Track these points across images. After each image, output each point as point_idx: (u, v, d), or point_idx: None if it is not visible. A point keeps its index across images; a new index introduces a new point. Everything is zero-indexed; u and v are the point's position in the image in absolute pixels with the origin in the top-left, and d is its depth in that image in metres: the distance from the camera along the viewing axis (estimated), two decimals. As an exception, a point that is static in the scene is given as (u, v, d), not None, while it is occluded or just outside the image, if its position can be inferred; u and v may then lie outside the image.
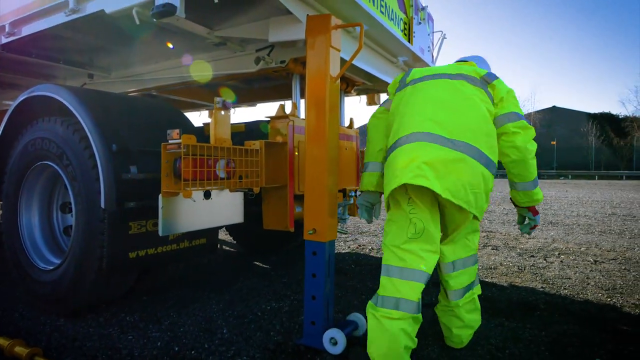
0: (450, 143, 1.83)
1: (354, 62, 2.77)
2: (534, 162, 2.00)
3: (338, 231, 2.31)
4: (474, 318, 2.18)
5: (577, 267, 3.83)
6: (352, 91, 4.17)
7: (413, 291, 1.85)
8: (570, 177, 28.95)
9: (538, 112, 39.21)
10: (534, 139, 2.00)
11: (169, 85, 3.48)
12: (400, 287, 1.87)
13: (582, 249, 4.66)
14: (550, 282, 3.33)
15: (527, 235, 5.51)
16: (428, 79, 2.08)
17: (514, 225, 6.52)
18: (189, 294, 2.92)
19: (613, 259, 4.13)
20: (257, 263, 3.91)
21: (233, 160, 2.27)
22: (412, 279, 1.87)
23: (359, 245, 4.75)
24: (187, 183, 1.94)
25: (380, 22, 2.48)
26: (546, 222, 6.84)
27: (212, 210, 2.35)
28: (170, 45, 2.78)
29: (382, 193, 2.14)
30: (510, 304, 2.80)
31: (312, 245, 2.09)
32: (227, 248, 4.63)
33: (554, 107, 39.56)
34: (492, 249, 4.62)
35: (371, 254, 4.31)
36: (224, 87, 3.81)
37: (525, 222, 2.22)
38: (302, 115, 2.94)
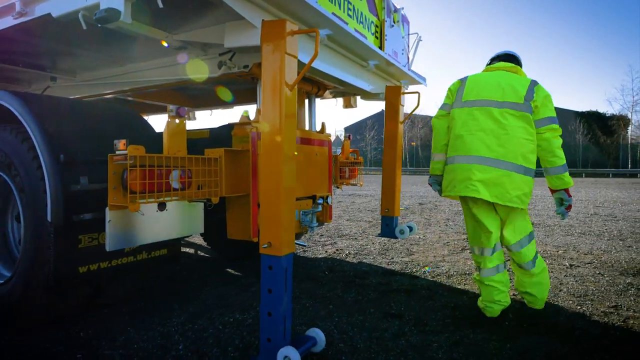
0: (497, 163, 2.58)
1: (321, 67, 2.71)
2: (560, 152, 2.66)
3: (296, 243, 2.23)
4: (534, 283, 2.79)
5: (552, 271, 3.81)
6: (328, 94, 4.12)
7: None
8: (558, 175, 29.22)
9: (527, 110, 39.39)
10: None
11: (138, 88, 3.37)
12: None
13: (559, 252, 4.65)
14: (523, 289, 3.29)
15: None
16: (480, 105, 2.68)
17: (496, 226, 6.50)
18: (152, 305, 2.83)
19: (589, 263, 4.12)
20: (229, 270, 3.84)
21: (189, 170, 2.20)
22: None
23: (337, 250, 4.69)
24: (135, 196, 1.86)
25: (343, 26, 2.41)
26: (528, 223, 6.84)
27: (168, 221, 2.26)
28: (165, 44, 2.62)
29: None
30: (480, 313, 2.75)
31: (267, 259, 2.02)
32: (202, 253, 4.55)
33: (542, 105, 39.79)
34: (471, 253, 4.58)
35: (347, 259, 4.25)
36: (220, 86, 3.68)
37: (561, 206, 2.75)
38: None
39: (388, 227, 3.64)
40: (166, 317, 2.62)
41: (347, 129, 45.65)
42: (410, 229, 3.75)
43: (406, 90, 3.97)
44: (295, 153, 3.07)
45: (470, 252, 3.05)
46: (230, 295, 3.10)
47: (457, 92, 2.80)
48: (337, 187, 3.87)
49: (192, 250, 4.68)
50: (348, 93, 4.12)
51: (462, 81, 2.83)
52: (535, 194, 12.60)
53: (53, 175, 2.08)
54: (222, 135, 2.80)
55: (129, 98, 3.94)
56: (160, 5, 1.75)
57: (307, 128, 3.41)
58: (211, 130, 2.93)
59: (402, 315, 2.72)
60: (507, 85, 2.67)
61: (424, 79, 3.97)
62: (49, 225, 2.09)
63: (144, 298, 2.96)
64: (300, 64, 2.16)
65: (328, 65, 2.77)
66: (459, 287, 3.36)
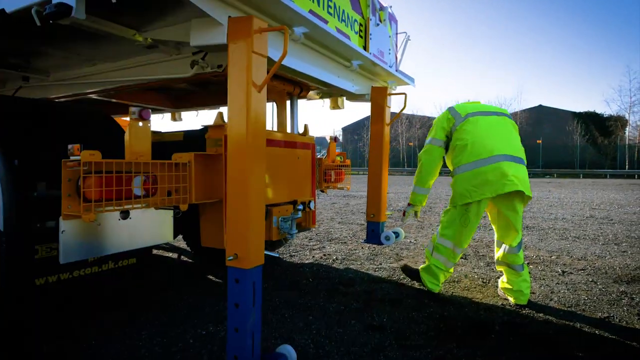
0: (517, 159, 2.88)
1: (300, 68, 2.58)
2: None
3: (267, 254, 2.11)
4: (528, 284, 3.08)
5: (543, 279, 3.69)
6: (315, 95, 4.00)
7: None
8: (555, 175, 29.15)
9: (524, 111, 39.42)
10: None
11: (113, 88, 3.24)
12: None
13: (552, 257, 4.53)
14: (513, 298, 3.17)
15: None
16: (485, 115, 3.01)
17: (489, 230, 6.40)
18: (124, 316, 2.70)
19: (582, 270, 4.00)
20: (210, 277, 3.70)
21: (154, 175, 2.07)
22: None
23: (324, 255, 4.56)
24: (89, 205, 1.74)
25: (320, 24, 2.28)
26: (522, 226, 6.71)
27: (132, 230, 2.13)
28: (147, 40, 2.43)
29: None
30: (465, 325, 2.63)
31: (234, 272, 1.89)
32: (185, 258, 4.41)
33: (540, 106, 39.84)
34: (461, 258, 4.46)
35: (334, 265, 4.13)
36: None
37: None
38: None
39: (373, 232, 3.51)
40: (135, 330, 2.49)
41: (344, 130, 45.52)
42: (397, 234, 3.62)
43: (394, 91, 3.85)
44: (296, 157, 2.98)
45: (442, 245, 3.14)
46: (206, 304, 2.97)
47: (454, 117, 3.03)
48: (322, 192, 3.74)
49: (175, 255, 4.55)
50: (334, 94, 4.00)
51: (450, 109, 3.11)
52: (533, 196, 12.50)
53: (6, 180, 1.95)
54: (196, 138, 2.68)
55: (113, 100, 3.81)
56: (113, 0, 1.63)
57: (289, 130, 3.28)
58: (185, 132, 2.80)
59: (384, 327, 2.59)
60: (492, 107, 3.22)
61: (412, 80, 3.85)
62: (1, 235, 1.95)
63: (114, 309, 2.82)
64: (273, 64, 2.03)
65: (308, 65, 2.64)
66: (446, 295, 3.24)
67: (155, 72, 2.75)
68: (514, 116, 39.61)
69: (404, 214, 3.35)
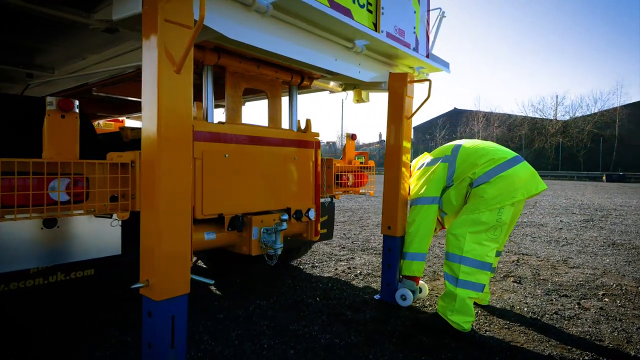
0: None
1: (267, 47, 2.08)
2: None
3: (196, 279, 1.68)
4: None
5: (620, 319, 2.80)
6: (336, 87, 3.51)
7: None
8: (664, 181, 24.99)
9: (625, 106, 34.55)
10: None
11: (96, 82, 3.05)
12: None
13: (640, 288, 3.53)
14: (568, 347, 2.39)
15: (572, 261, 4.39)
16: (462, 142, 2.86)
17: (563, 245, 5.35)
18: (70, 338, 2.42)
19: (681, 309, 3.00)
20: (212, 288, 3.38)
21: (86, 178, 1.75)
22: None
23: (349, 268, 4.03)
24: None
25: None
26: (608, 242, 5.54)
27: (62, 241, 1.84)
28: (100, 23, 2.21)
29: None
30: (488, 384, 1.97)
31: (146, 303, 1.49)
32: (200, 264, 4.16)
33: (645, 100, 34.69)
34: (513, 282, 3.65)
35: (353, 282, 3.58)
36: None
37: None
38: (217, 118, 2.36)
39: (389, 287, 2.94)
40: (89, 355, 2.21)
41: (415, 129, 43.73)
42: (419, 290, 3.02)
43: (426, 77, 3.20)
44: (271, 158, 2.51)
45: (467, 267, 2.52)
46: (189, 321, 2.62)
47: (445, 161, 2.78)
48: (333, 197, 3.23)
49: (193, 258, 4.33)
50: (359, 86, 3.46)
51: (433, 161, 2.86)
52: (629, 204, 10.64)
53: None
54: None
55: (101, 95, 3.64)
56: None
57: (286, 126, 2.82)
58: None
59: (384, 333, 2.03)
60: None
61: (447, 65, 3.17)
62: None
63: (65, 328, 2.43)
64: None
65: (285, 43, 2.14)
66: (477, 332, 2.55)
67: (121, 62, 2.47)
68: (612, 112, 35.21)
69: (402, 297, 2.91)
